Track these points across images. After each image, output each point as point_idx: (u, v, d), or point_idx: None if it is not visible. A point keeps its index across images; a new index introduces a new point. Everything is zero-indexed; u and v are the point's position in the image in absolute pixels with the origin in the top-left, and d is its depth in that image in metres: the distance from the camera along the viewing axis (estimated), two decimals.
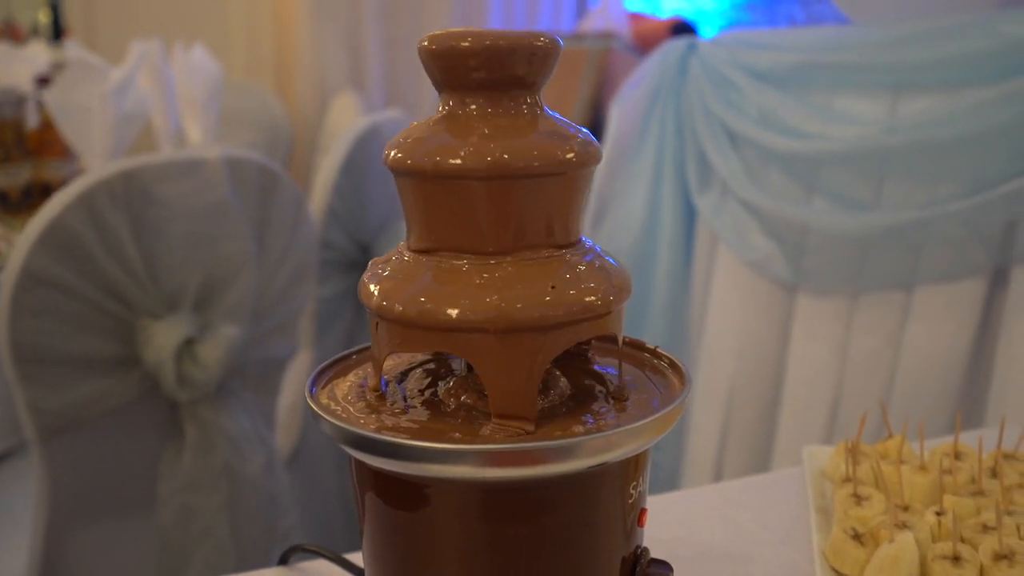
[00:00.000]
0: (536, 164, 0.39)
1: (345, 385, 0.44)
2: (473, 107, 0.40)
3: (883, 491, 0.57)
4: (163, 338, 1.04)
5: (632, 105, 1.50)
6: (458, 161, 0.39)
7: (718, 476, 1.46)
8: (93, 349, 1.03)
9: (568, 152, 0.40)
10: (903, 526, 0.53)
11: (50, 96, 1.57)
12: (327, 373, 0.45)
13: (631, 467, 0.41)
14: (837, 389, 1.25)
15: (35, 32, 3.99)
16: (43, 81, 2.11)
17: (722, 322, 1.41)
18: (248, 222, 1.12)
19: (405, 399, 0.42)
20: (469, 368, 0.44)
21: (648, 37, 2.28)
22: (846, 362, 1.23)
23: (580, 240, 0.42)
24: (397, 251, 0.42)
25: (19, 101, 1.99)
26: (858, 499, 0.57)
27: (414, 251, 0.41)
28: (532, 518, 0.39)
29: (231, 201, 1.08)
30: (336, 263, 1.61)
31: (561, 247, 0.41)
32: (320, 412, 0.40)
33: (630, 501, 0.41)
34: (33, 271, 0.97)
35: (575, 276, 0.40)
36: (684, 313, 1.52)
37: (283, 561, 0.56)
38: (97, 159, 1.61)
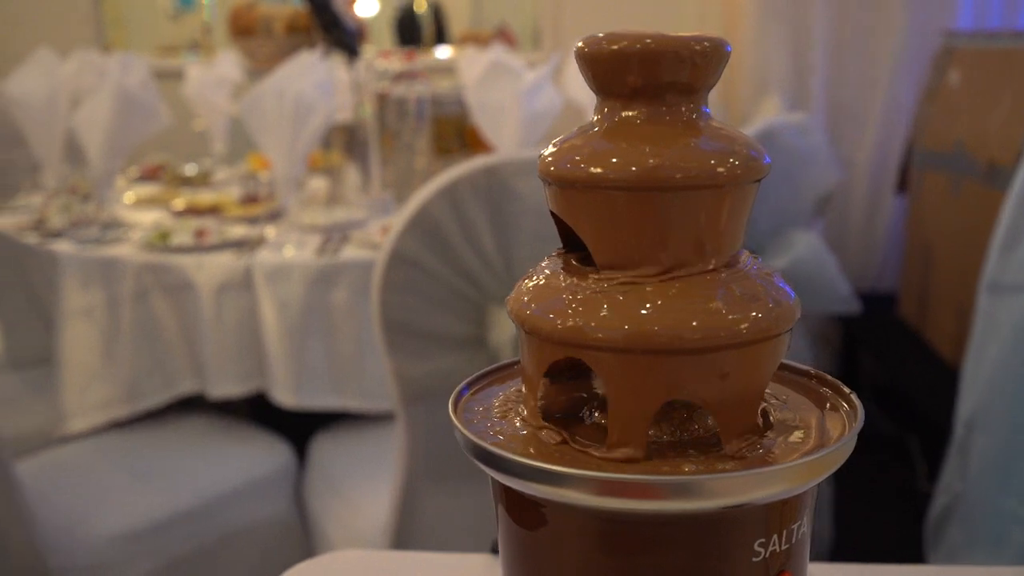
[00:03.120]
0: (685, 176, 0.36)
1: (496, 395, 0.44)
2: (627, 114, 0.38)
3: None
4: (507, 323, 1.11)
5: None
6: (601, 170, 0.37)
7: None
8: (447, 327, 1.13)
9: (721, 165, 0.37)
10: None
11: (471, 95, 1.73)
12: (482, 381, 0.45)
13: (762, 519, 0.36)
14: None
15: (537, 38, 4.29)
16: None
17: None
18: None
19: (544, 415, 0.41)
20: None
21: None
22: None
23: (741, 259, 0.39)
24: (545, 262, 0.41)
25: (463, 100, 2.22)
26: None
27: (559, 264, 0.40)
28: (645, 554, 0.37)
29: None
30: None
31: (715, 266, 0.38)
32: (454, 419, 0.41)
33: (756, 560, 0.36)
34: (401, 252, 1.08)
35: (726, 298, 0.37)
36: None
37: (495, 550, 0.58)
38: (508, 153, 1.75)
